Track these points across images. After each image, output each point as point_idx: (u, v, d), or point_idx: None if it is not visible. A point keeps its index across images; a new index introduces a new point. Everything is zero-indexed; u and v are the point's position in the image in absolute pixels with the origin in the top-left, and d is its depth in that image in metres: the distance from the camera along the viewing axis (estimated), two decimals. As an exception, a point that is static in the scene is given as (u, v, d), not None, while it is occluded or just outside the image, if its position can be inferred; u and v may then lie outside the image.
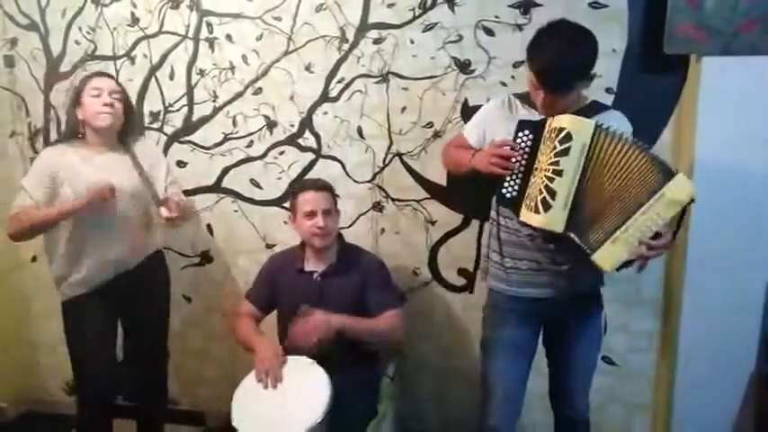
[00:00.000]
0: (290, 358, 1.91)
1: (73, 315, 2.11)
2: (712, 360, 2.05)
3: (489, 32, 2.16)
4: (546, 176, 1.54)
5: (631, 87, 2.08)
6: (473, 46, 2.18)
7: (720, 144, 1.94)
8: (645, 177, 1.51)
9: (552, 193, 1.53)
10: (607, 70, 2.09)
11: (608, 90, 2.11)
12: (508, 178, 1.63)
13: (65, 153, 2.04)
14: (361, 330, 1.93)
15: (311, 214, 1.99)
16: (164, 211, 2.01)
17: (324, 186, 2.04)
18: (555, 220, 1.54)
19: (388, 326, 1.97)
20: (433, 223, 2.35)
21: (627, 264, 1.57)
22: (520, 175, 1.62)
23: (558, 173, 1.53)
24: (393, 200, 2.37)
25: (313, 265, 2.06)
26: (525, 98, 1.76)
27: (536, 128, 1.61)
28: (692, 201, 1.53)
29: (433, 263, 2.38)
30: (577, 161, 1.52)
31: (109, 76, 2.14)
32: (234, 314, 2.18)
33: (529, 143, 1.61)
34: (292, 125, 2.41)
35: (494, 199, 1.79)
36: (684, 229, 2.03)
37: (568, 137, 1.52)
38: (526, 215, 1.61)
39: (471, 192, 1.76)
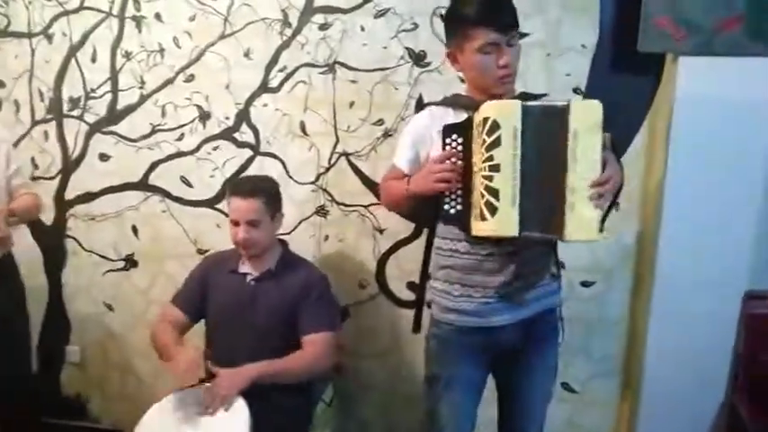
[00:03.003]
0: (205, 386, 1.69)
1: None
2: (679, 388, 1.90)
3: (448, 21, 1.97)
4: (483, 176, 1.36)
5: (601, 88, 1.91)
6: (429, 36, 2.01)
7: (696, 152, 1.78)
8: (554, 130, 1.32)
9: (494, 193, 1.34)
10: (575, 68, 1.94)
11: (575, 90, 1.95)
12: (448, 192, 1.44)
13: None
14: (279, 373, 1.73)
15: (235, 223, 1.82)
16: None
17: (254, 192, 1.81)
18: (505, 222, 1.34)
19: (312, 357, 1.78)
20: (381, 231, 2.16)
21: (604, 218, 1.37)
22: (459, 186, 1.43)
23: (495, 168, 1.34)
24: (338, 204, 2.18)
25: (248, 268, 1.89)
26: (451, 101, 1.58)
27: (463, 129, 1.43)
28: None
29: (380, 275, 2.20)
30: (513, 149, 1.33)
31: None
32: (156, 321, 1.94)
33: (460, 147, 1.43)
34: (228, 117, 2.20)
35: (438, 224, 1.57)
36: (653, 241, 1.89)
37: (495, 125, 1.34)
38: (477, 227, 1.41)
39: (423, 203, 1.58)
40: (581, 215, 1.32)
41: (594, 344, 2.07)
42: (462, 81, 1.93)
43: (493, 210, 1.34)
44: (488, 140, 1.34)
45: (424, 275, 1.64)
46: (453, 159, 1.43)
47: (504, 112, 1.34)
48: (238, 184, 1.89)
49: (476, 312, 1.54)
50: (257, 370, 1.69)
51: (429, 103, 1.64)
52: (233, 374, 1.68)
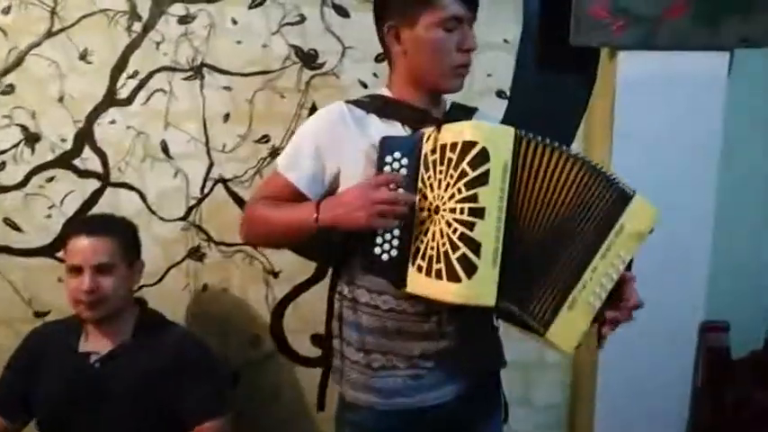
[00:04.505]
0: None
1: None
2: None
3: (342, 12, 1.66)
4: (459, 221, 1.01)
5: (529, 89, 1.66)
6: (320, 30, 1.68)
7: (641, 161, 1.54)
8: (591, 203, 1.06)
9: (475, 247, 1.00)
10: (498, 67, 1.66)
11: (499, 93, 1.68)
12: (381, 231, 1.07)
13: None
14: None
15: (76, 270, 1.39)
16: None
17: (103, 230, 1.42)
18: (484, 287, 1.01)
19: None
20: (275, 275, 1.78)
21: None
22: (400, 224, 1.07)
23: (479, 213, 1.00)
24: (217, 244, 1.78)
25: (93, 344, 1.44)
26: (372, 103, 1.20)
27: (412, 146, 1.08)
28: (651, 230, 1.13)
29: (277, 328, 1.81)
30: (500, 192, 1.02)
31: None
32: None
33: (405, 171, 1.08)
34: (64, 140, 1.74)
35: (356, 268, 1.19)
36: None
37: (484, 155, 1.00)
38: (425, 285, 1.05)
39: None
40: (575, 320, 1.04)
41: (536, 390, 1.80)
42: (365, 86, 1.62)
43: (471, 269, 0.99)
44: (472, 174, 1.00)
45: (328, 337, 1.25)
46: (394, 186, 1.06)
47: (495, 141, 1.01)
48: (82, 222, 1.55)
49: (404, 391, 1.18)
50: None
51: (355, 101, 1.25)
52: None
